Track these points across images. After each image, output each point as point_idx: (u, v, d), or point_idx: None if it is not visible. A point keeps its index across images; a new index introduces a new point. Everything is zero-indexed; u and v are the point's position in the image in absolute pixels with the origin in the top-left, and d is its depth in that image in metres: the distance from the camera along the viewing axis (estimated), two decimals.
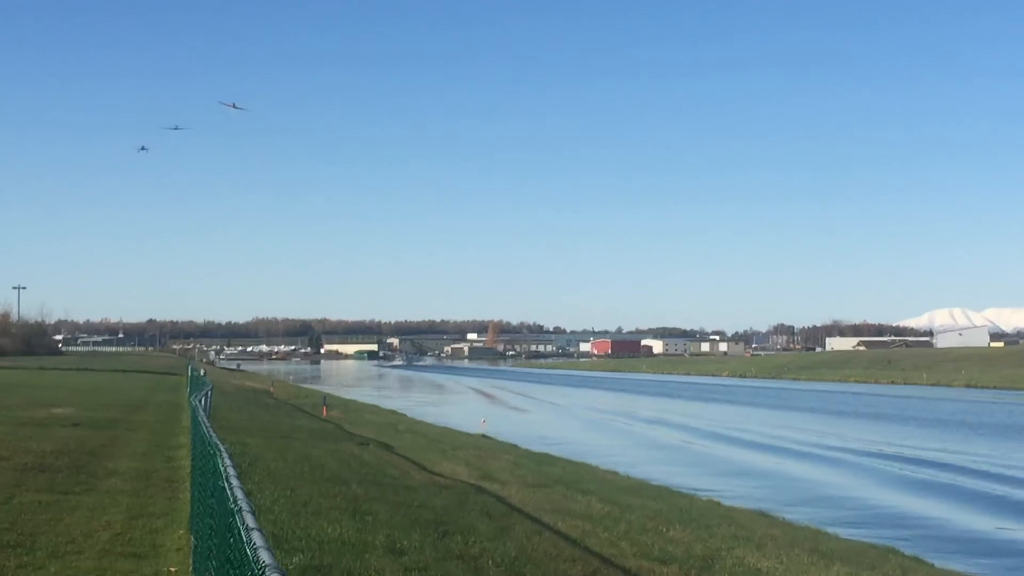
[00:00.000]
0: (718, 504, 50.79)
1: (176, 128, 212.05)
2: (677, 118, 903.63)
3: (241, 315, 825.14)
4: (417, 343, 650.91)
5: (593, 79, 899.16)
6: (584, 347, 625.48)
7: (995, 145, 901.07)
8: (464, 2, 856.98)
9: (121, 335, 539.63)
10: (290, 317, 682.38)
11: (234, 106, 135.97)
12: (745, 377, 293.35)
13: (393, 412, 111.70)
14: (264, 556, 7.85)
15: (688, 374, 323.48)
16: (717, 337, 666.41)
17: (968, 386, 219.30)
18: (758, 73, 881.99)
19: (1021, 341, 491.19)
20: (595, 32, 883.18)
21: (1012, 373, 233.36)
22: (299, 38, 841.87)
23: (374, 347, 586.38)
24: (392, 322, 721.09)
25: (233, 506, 10.39)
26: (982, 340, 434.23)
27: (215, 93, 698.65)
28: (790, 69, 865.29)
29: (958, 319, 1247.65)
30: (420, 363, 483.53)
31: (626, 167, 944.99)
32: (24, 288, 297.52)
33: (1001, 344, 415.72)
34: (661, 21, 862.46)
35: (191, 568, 19.24)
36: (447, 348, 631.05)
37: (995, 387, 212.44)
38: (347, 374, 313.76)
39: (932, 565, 39.60)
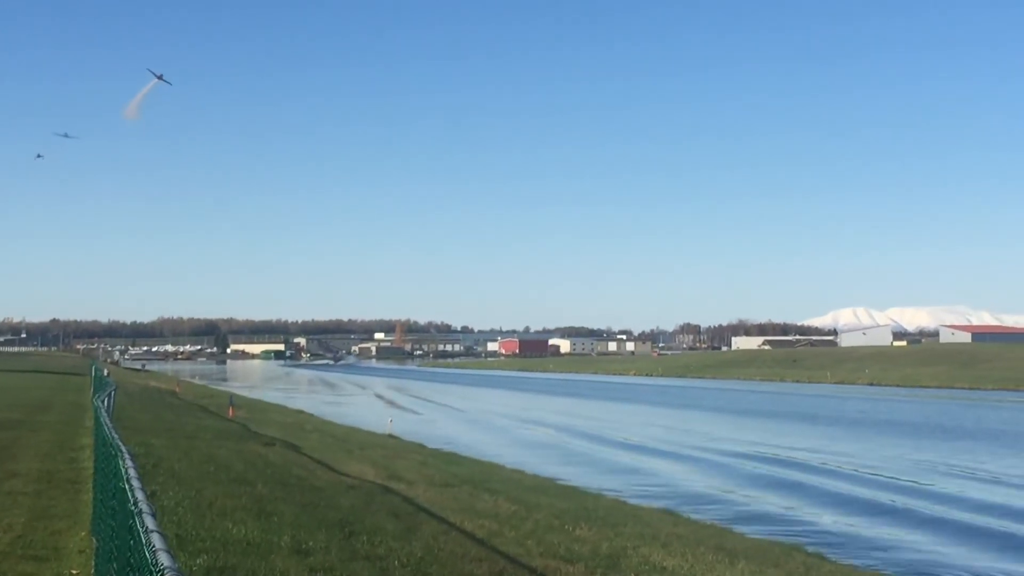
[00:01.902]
0: (624, 503, 51.11)
1: (66, 136, 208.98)
2: (582, 120, 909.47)
3: (146, 315, 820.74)
4: (324, 343, 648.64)
5: (502, 78, 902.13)
6: (492, 346, 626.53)
7: (899, 148, 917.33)
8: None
9: (23, 335, 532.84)
10: (196, 317, 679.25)
11: (161, 77, 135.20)
12: (652, 376, 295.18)
13: (300, 412, 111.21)
14: (163, 559, 7.79)
15: (596, 373, 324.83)
16: (624, 337, 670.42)
17: (871, 384, 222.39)
18: (654, 72, 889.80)
19: (923, 340, 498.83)
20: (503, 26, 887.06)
21: (913, 372, 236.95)
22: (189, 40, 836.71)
23: (281, 347, 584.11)
24: (299, 322, 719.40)
25: (133, 508, 10.31)
26: (885, 339, 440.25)
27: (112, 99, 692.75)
28: (696, 71, 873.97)
29: (862, 318, 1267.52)
30: (327, 363, 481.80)
31: (533, 168, 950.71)
32: None
33: (904, 343, 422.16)
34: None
35: (93, 571, 19.02)
36: (355, 348, 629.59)
37: (897, 385, 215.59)
38: (253, 374, 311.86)
39: (834, 562, 40.08)
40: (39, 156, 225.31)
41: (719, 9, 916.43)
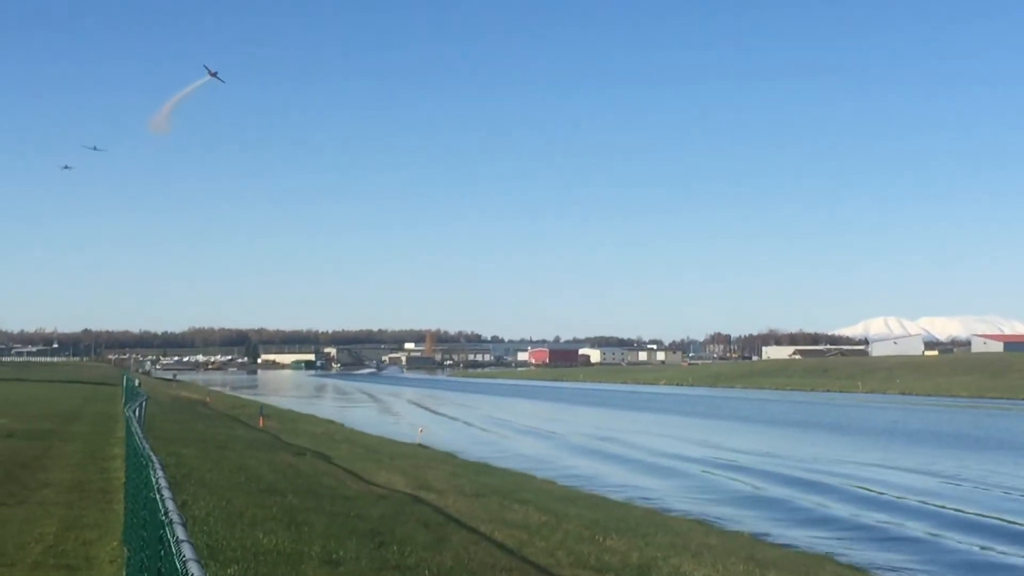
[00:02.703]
0: (655, 513, 50.97)
1: (95, 149, 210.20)
2: (614, 128, 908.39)
3: (177, 325, 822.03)
4: (355, 353, 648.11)
5: (535, 88, 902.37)
6: (522, 356, 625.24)
7: (931, 156, 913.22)
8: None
9: (55, 345, 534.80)
10: (227, 327, 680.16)
11: (215, 74, 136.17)
12: (683, 385, 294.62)
13: (330, 422, 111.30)
14: (194, 569, 7.80)
15: (626, 383, 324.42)
16: (654, 346, 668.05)
17: (903, 394, 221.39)
18: (687, 80, 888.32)
19: (955, 350, 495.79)
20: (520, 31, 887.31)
21: (945, 381, 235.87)
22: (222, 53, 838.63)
23: (311, 357, 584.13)
24: (329, 332, 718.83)
25: (164, 518, 10.33)
26: (916, 349, 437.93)
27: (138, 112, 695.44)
28: (721, 79, 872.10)
29: (893, 328, 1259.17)
30: (357, 372, 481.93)
31: (563, 177, 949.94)
32: None
33: (935, 353, 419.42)
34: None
35: None
36: (385, 358, 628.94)
37: (929, 395, 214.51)
38: (284, 384, 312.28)
39: (867, 573, 39.88)
40: (66, 167, 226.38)
41: (761, 12, 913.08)
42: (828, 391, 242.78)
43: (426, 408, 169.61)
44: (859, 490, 64.91)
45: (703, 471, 74.98)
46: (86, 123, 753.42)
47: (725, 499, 60.23)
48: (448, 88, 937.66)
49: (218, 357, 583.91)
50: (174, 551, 8.78)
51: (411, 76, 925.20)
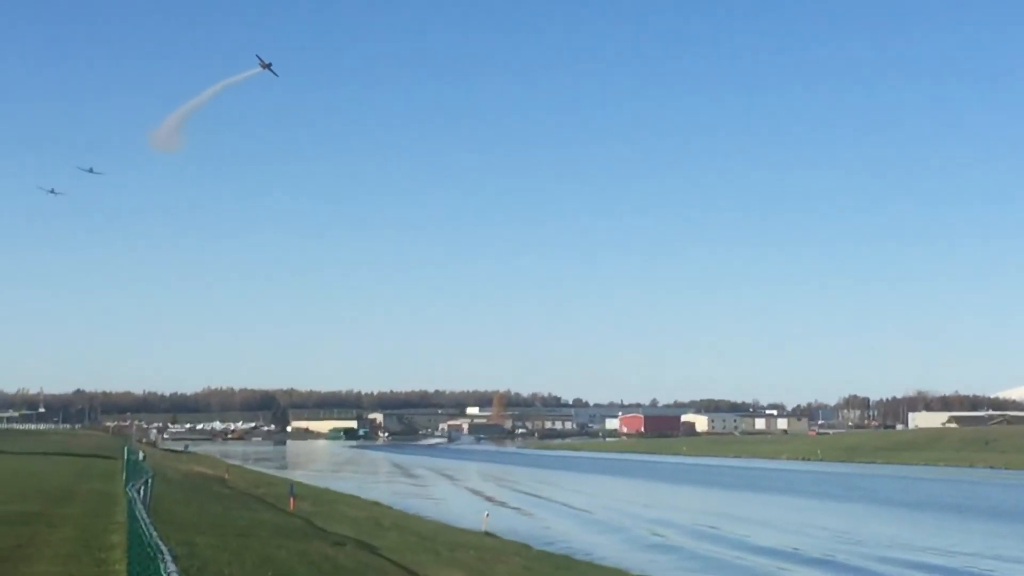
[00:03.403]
0: None
1: (91, 171, 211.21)
2: (716, 151, 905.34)
3: (189, 385, 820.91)
4: (406, 419, 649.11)
5: (607, 127, 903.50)
6: (611, 424, 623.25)
7: None
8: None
9: (42, 409, 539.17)
10: (249, 387, 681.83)
11: (269, 66, 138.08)
12: (810, 460, 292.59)
13: (376, 504, 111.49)
14: None
15: (739, 456, 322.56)
16: (775, 412, 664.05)
17: None
18: (821, 101, 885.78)
19: None
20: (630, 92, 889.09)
21: None
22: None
23: (352, 424, 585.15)
24: (375, 393, 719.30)
25: None
26: None
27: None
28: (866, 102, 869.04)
29: None
30: (410, 443, 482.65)
31: (659, 206, 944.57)
32: None
33: None
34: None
35: None
36: (442, 425, 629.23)
37: None
38: (319, 457, 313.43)
39: None
40: (53, 192, 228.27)
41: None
42: (991, 467, 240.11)
43: (494, 487, 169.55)
44: None
45: None
46: (78, 138, 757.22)
47: None
48: (502, 131, 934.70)
49: (239, 424, 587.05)
50: None
51: (464, 116, 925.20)
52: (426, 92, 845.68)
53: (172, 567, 13.71)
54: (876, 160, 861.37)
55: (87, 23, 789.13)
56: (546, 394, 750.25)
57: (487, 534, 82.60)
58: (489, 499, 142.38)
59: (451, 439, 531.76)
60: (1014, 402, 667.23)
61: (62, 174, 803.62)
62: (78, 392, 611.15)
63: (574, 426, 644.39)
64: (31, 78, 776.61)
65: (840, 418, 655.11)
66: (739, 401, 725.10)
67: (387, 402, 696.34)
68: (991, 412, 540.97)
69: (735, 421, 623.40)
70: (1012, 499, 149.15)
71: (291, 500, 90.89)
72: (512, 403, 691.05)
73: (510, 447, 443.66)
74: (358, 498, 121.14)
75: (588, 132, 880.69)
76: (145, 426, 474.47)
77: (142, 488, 44.17)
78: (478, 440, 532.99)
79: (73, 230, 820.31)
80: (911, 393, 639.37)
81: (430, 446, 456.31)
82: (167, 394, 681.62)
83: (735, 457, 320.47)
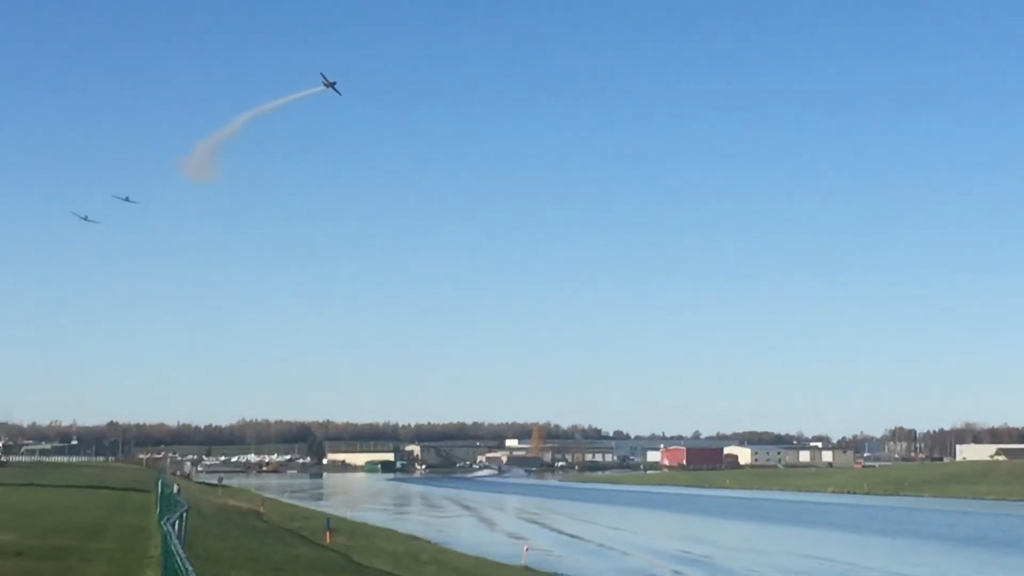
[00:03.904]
0: None
1: (127, 200, 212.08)
2: (753, 171, 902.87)
3: (224, 417, 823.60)
4: (444, 451, 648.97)
5: (653, 145, 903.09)
6: (652, 456, 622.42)
7: None
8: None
9: (75, 441, 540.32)
10: (285, 419, 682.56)
11: (333, 85, 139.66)
12: (856, 493, 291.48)
13: (413, 538, 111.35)
14: None
15: (784, 489, 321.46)
16: (819, 444, 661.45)
17: None
18: (868, 122, 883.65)
19: None
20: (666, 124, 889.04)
21: None
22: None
23: (390, 456, 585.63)
24: (412, 425, 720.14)
25: None
26: None
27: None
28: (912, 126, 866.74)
29: None
30: (451, 476, 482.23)
31: (699, 229, 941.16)
32: None
33: None
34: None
35: None
36: (481, 457, 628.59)
37: None
38: (356, 490, 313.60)
39: None
40: (86, 219, 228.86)
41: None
42: None
43: (534, 521, 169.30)
44: None
45: None
46: (116, 165, 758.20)
47: None
48: (535, 174, 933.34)
49: (274, 457, 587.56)
50: None
51: (498, 141, 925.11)
52: (467, 124, 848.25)
53: None
54: (921, 186, 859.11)
55: (109, 50, 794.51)
56: (586, 426, 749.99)
57: (527, 568, 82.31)
58: (526, 534, 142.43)
59: (501, 471, 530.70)
60: None
61: (96, 202, 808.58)
62: (111, 424, 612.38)
63: (615, 458, 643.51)
64: (66, 103, 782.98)
65: (886, 450, 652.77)
66: (783, 433, 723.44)
67: (424, 434, 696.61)
68: None
69: (779, 453, 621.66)
70: None
71: (327, 534, 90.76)
72: (552, 435, 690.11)
73: (551, 480, 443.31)
74: (396, 532, 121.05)
75: (622, 157, 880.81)
76: (179, 458, 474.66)
77: (177, 522, 44.03)
78: (528, 473, 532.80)
79: (107, 259, 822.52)
80: (959, 425, 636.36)
81: (476, 479, 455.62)
82: (202, 426, 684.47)
83: (780, 490, 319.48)
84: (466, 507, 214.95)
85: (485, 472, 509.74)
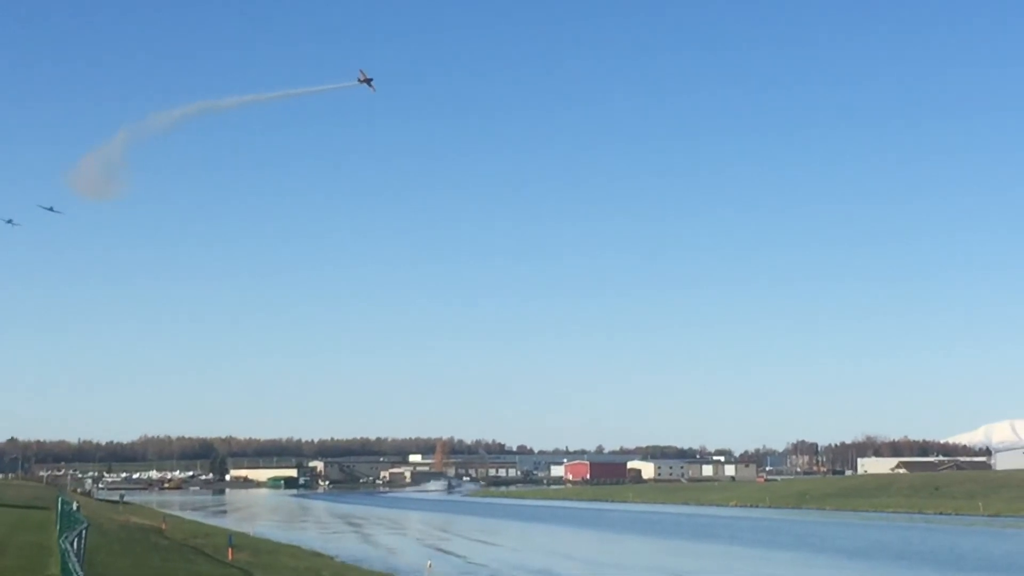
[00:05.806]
0: None
1: (51, 210, 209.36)
2: (662, 185, 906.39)
3: (125, 434, 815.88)
4: (347, 467, 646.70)
5: (559, 157, 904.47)
6: (556, 471, 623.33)
7: None
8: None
9: None
10: (187, 435, 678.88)
11: (369, 81, 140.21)
12: (758, 507, 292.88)
13: (317, 555, 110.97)
14: None
15: (687, 503, 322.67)
16: (722, 458, 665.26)
17: None
18: (756, 138, 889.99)
19: None
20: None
21: None
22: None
23: (293, 472, 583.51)
24: (315, 441, 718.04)
25: None
26: None
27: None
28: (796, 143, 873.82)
29: (1021, 434, 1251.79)
30: (350, 492, 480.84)
31: (603, 247, 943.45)
32: None
33: None
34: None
35: None
36: (384, 473, 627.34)
37: None
38: (259, 507, 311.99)
39: None
40: (10, 222, 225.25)
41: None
42: (940, 513, 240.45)
43: (437, 536, 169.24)
44: None
45: None
46: (39, 176, 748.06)
47: None
48: (468, 177, 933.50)
49: (176, 473, 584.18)
50: None
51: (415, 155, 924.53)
52: (395, 135, 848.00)
53: None
54: (833, 201, 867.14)
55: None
56: (490, 441, 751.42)
57: None
58: (434, 548, 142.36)
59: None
60: (963, 447, 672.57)
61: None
62: (11, 441, 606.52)
63: (519, 473, 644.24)
64: None
65: (788, 464, 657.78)
66: (686, 447, 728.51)
67: (328, 450, 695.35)
68: (940, 457, 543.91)
69: (682, 468, 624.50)
70: (965, 545, 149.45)
71: (230, 551, 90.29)
72: (455, 450, 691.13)
73: (455, 495, 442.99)
74: (299, 548, 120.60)
75: (519, 175, 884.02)
76: (80, 476, 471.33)
77: (76, 540, 43.65)
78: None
79: (8, 274, 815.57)
80: (860, 438, 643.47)
81: (366, 494, 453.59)
82: (103, 443, 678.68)
83: (683, 504, 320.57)
84: (367, 522, 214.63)
85: (362, 491, 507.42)
